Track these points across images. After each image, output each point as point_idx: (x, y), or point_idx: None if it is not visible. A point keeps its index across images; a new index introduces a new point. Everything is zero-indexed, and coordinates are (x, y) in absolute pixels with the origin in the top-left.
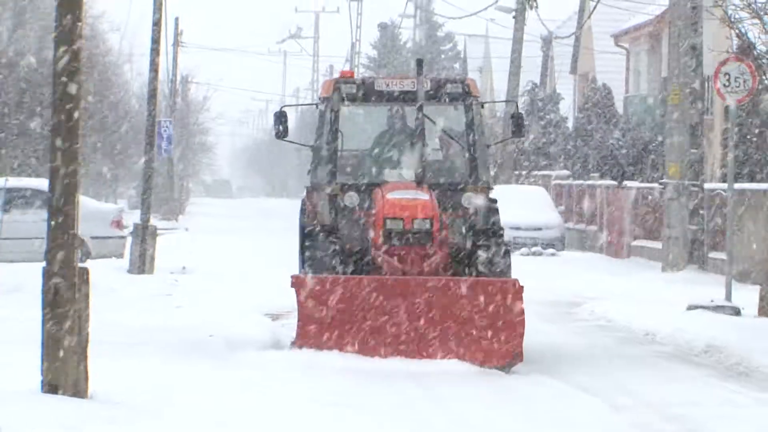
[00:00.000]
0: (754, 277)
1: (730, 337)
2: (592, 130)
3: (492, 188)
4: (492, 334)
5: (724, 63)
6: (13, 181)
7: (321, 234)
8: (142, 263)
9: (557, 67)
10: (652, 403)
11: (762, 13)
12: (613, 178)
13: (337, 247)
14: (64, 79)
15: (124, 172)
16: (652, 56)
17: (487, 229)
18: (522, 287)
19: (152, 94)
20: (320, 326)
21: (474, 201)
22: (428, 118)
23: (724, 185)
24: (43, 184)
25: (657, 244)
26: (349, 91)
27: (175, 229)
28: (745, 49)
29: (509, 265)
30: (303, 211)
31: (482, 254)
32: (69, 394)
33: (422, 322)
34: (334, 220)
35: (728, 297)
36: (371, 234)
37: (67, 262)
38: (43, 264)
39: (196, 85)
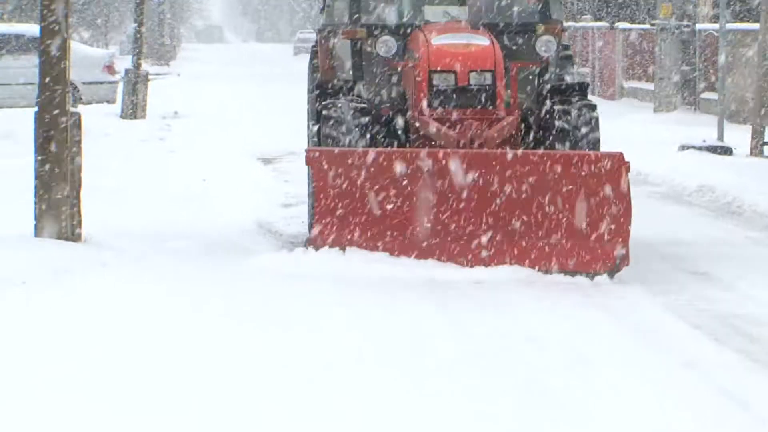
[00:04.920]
0: (745, 116)
1: (722, 176)
2: None
3: (566, 30)
4: (592, 228)
5: None
6: (2, 27)
7: (342, 92)
8: (134, 108)
9: None
10: (646, 242)
11: None
12: (605, 20)
13: (366, 110)
14: None
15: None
16: None
17: (569, 85)
18: (628, 163)
19: None
20: (346, 218)
21: (552, 47)
22: None
23: (716, 26)
24: (33, 29)
25: (649, 86)
26: None
27: (167, 74)
28: None
29: (598, 133)
30: (313, 65)
31: (565, 118)
32: (62, 238)
33: (494, 212)
34: (359, 74)
35: (720, 137)
36: (411, 93)
37: (58, 108)
38: (35, 110)
39: None
